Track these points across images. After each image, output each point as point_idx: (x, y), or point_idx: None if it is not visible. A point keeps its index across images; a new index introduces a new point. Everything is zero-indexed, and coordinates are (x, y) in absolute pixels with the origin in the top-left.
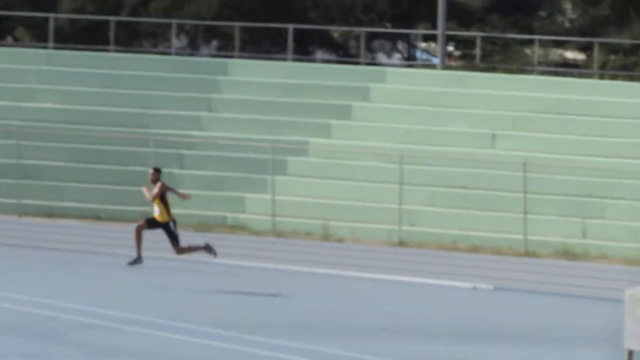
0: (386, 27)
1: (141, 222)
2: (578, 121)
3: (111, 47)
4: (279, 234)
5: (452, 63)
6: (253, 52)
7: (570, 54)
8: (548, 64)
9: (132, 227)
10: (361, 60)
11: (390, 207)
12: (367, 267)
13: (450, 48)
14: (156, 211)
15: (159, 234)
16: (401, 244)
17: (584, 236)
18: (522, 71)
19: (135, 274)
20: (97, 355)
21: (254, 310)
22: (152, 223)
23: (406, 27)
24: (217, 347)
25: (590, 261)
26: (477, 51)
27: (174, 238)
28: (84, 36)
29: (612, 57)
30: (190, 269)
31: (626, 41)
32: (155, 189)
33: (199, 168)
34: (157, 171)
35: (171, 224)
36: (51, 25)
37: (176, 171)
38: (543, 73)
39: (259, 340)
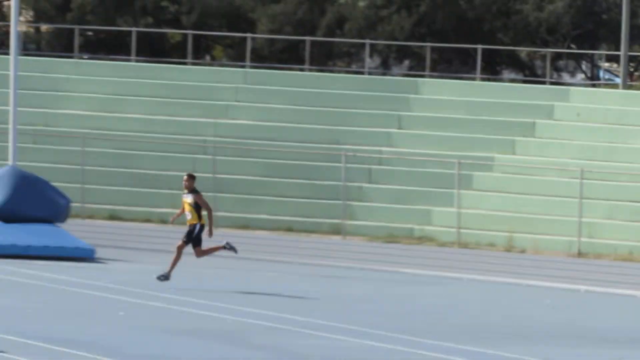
0: (570, 48)
1: (180, 242)
2: None
3: (306, 66)
4: (463, 245)
5: (634, 82)
6: (443, 72)
7: None
8: None
9: (324, 239)
10: (546, 79)
11: (571, 219)
12: (547, 276)
13: (632, 68)
14: (188, 215)
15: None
16: (580, 254)
17: None
18: None
19: (318, 283)
20: (281, 359)
21: (438, 317)
22: (196, 240)
23: (590, 48)
24: (399, 350)
25: None
26: None
27: (196, 239)
28: (280, 56)
29: None
30: (373, 278)
31: None
32: (198, 200)
33: (388, 182)
34: (192, 177)
35: (197, 227)
36: (248, 45)
37: (365, 185)
38: None
39: (444, 345)
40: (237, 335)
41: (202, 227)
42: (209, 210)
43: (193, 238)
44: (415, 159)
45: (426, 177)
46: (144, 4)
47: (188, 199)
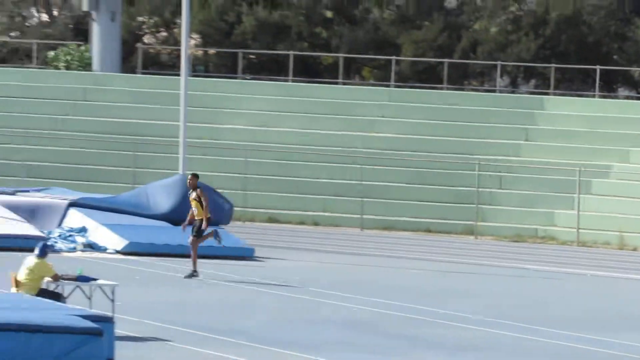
0: None
1: (192, 237)
2: None
3: (444, 85)
4: (582, 244)
5: None
6: (565, 89)
7: None
8: None
9: (458, 239)
10: None
11: None
12: None
13: None
14: (194, 211)
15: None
16: None
17: None
18: None
19: (452, 278)
20: (419, 346)
21: (559, 308)
22: (198, 233)
23: None
24: (522, 338)
25: None
26: None
27: (199, 232)
28: (421, 76)
29: None
30: (502, 274)
31: None
32: (204, 202)
33: (515, 188)
34: (196, 176)
35: (201, 221)
36: (393, 67)
37: (496, 190)
38: None
39: (564, 333)
40: (372, 325)
41: (201, 221)
42: (206, 200)
43: (199, 231)
44: (540, 167)
45: (550, 183)
46: (300, 31)
47: (192, 195)
